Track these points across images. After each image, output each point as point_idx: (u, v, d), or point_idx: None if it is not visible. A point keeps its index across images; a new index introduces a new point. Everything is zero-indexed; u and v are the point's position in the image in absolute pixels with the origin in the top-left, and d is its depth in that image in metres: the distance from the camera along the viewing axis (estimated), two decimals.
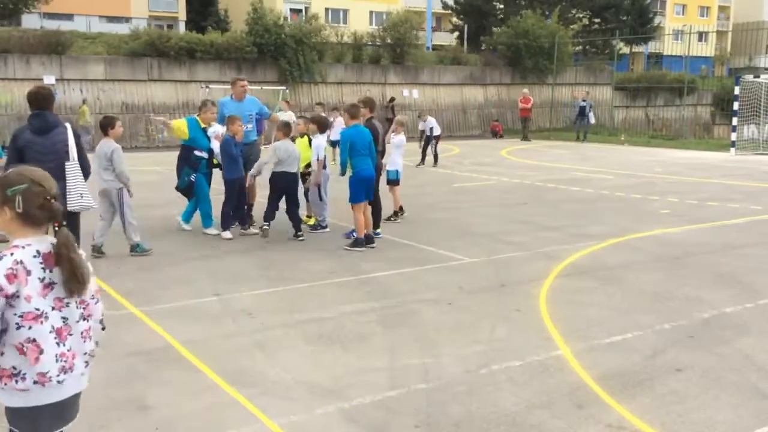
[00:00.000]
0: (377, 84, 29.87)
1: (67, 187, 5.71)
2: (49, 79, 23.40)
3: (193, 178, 9.35)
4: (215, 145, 9.37)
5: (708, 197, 13.09)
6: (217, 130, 9.45)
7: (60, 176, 5.67)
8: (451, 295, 6.70)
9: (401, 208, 10.75)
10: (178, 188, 9.59)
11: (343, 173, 8.91)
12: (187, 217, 9.71)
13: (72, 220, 5.86)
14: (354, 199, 8.62)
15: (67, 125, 5.89)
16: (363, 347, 5.30)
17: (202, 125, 9.48)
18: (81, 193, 5.78)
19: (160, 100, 25.06)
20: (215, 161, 9.58)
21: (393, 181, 10.56)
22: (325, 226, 9.71)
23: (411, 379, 4.70)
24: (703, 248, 8.80)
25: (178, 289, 6.82)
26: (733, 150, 22.94)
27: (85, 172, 5.88)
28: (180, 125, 9.40)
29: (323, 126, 9.74)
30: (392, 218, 10.43)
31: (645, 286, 7.05)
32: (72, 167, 5.74)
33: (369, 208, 8.91)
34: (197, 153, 9.36)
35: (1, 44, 23.28)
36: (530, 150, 24.10)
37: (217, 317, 5.99)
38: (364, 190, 8.61)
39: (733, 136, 23.35)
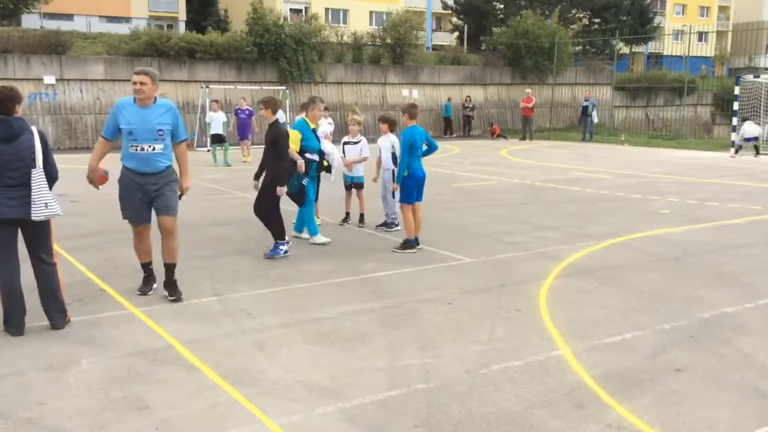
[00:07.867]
0: (377, 84, 29.88)
1: (32, 197, 5.38)
2: (49, 79, 23.43)
3: (304, 182, 8.65)
4: (326, 146, 9.06)
5: (708, 197, 13.09)
6: (326, 129, 9.10)
7: (26, 185, 5.41)
8: (451, 295, 6.70)
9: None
10: (288, 193, 8.60)
11: (400, 178, 8.69)
12: (299, 225, 9.20)
13: (41, 228, 5.57)
14: (405, 199, 8.59)
15: (34, 129, 5.53)
16: (363, 347, 5.30)
17: (311, 125, 8.79)
18: (46, 203, 5.38)
19: None
20: (326, 163, 9.12)
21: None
22: (397, 224, 9.56)
23: (411, 379, 4.70)
24: (703, 248, 8.80)
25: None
26: (733, 150, 22.94)
27: (51, 179, 5.54)
28: (296, 139, 8.56)
29: (394, 125, 9.62)
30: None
31: (645, 286, 7.05)
32: (37, 175, 5.41)
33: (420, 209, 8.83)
34: (308, 156, 8.71)
35: (1, 44, 23.25)
36: (530, 150, 24.11)
37: (217, 317, 5.99)
38: (415, 190, 8.61)
39: (733, 136, 23.36)
